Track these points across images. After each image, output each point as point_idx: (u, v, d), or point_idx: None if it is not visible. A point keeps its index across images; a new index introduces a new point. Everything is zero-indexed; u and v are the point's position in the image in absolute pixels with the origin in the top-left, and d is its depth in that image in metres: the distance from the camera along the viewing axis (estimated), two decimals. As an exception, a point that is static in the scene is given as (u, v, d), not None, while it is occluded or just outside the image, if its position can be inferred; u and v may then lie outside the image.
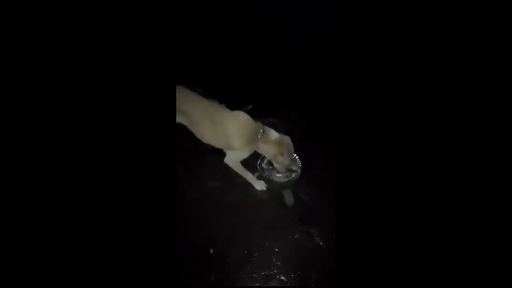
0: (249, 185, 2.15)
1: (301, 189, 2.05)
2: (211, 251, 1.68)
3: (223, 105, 2.06)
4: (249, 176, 2.23)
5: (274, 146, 2.05)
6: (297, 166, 2.22)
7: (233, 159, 2.17)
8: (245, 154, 2.14)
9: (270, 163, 2.27)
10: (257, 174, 2.28)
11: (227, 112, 2.09)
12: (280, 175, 2.23)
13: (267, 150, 2.09)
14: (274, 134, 2.07)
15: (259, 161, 2.28)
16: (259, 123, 2.09)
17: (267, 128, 2.08)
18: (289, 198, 2.14)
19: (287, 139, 2.07)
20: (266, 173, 2.27)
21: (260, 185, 2.23)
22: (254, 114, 1.99)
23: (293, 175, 2.21)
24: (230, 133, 2.03)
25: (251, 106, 2.41)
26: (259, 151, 2.13)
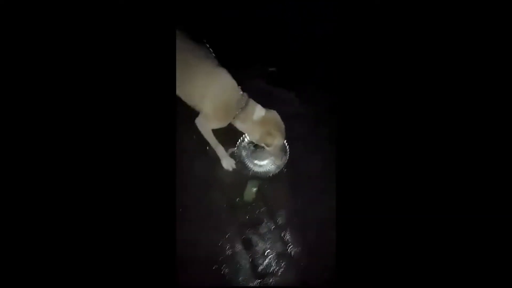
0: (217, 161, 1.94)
1: (300, 190, 1.95)
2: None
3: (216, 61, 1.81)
4: (219, 150, 1.95)
5: (257, 126, 1.77)
6: (282, 157, 1.97)
7: (203, 123, 1.87)
8: (214, 124, 1.85)
9: (252, 144, 2.03)
10: (232, 150, 2.01)
11: (209, 65, 1.78)
12: (259, 162, 1.99)
13: (248, 130, 1.83)
14: (259, 113, 1.76)
15: (241, 138, 2.04)
16: (244, 94, 1.78)
17: (252, 102, 1.78)
18: (249, 192, 1.91)
19: (274, 115, 1.78)
20: (244, 154, 2.01)
21: (228, 164, 1.97)
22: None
23: (273, 166, 1.98)
24: (204, 92, 1.75)
25: (274, 68, 2.22)
26: (239, 128, 1.87)
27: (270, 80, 2.33)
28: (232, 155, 2.05)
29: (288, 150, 2.05)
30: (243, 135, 2.09)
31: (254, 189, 1.96)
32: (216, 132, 1.94)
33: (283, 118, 1.82)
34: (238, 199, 1.92)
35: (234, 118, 1.79)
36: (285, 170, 2.00)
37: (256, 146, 2.07)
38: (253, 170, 2.01)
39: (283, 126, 1.82)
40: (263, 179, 1.99)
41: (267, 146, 1.83)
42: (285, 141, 2.01)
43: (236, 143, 2.08)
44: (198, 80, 1.76)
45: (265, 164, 2.03)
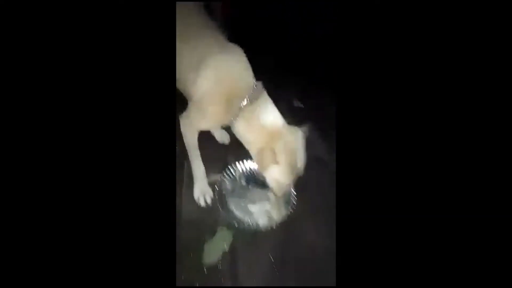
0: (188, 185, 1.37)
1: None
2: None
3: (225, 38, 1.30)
4: (197, 169, 1.36)
5: (262, 135, 1.16)
6: (282, 209, 1.34)
7: (191, 119, 1.27)
8: (208, 120, 1.25)
9: (248, 176, 1.46)
10: (215, 178, 1.43)
11: (219, 39, 1.26)
12: (248, 206, 1.35)
13: (248, 138, 1.21)
14: (272, 116, 1.18)
15: (233, 165, 1.49)
16: (258, 84, 1.21)
17: (265, 96, 1.20)
18: (214, 248, 1.22)
19: (296, 133, 1.19)
20: (229, 187, 1.42)
21: (201, 192, 1.36)
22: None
23: (265, 218, 1.33)
24: (202, 62, 1.17)
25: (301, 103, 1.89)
26: (236, 135, 1.26)
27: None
28: (212, 184, 1.41)
29: (294, 201, 1.38)
30: (239, 162, 1.49)
31: (223, 247, 1.25)
32: (203, 146, 1.35)
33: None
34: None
35: (236, 114, 1.19)
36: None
37: (252, 180, 1.45)
38: (234, 216, 1.33)
39: (301, 156, 1.18)
40: (242, 233, 1.29)
41: (264, 173, 1.20)
42: (292, 188, 1.36)
43: (225, 170, 1.47)
44: (195, 46, 1.21)
45: (255, 212, 1.35)
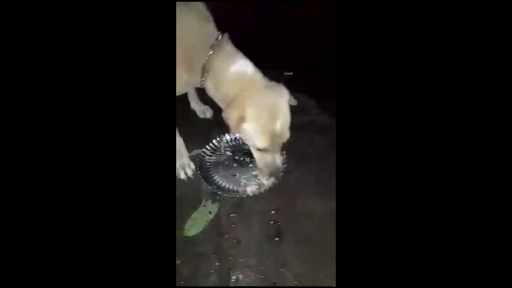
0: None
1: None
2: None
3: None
4: (177, 144, 1.24)
5: (233, 89, 1.00)
6: (270, 175, 1.12)
7: None
8: (177, 78, 1.05)
9: (237, 145, 1.33)
10: (196, 152, 1.31)
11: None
12: (242, 175, 1.22)
13: (218, 94, 1.05)
14: (240, 64, 1.01)
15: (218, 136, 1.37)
16: (224, 36, 1.04)
17: (229, 44, 1.03)
18: (199, 219, 1.09)
19: (277, 93, 1.00)
20: (212, 159, 1.29)
21: (182, 169, 1.23)
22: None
23: (252, 184, 1.19)
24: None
25: (291, 73, 1.76)
26: (208, 94, 1.09)
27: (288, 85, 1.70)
28: (194, 158, 1.28)
29: (283, 165, 1.20)
30: (224, 134, 1.37)
31: (208, 217, 1.10)
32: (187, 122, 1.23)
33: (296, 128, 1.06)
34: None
35: (204, 69, 1.03)
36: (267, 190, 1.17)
37: (238, 150, 1.32)
38: (220, 186, 1.19)
39: (283, 117, 1.00)
40: (227, 201, 1.15)
41: (235, 133, 1.07)
42: (282, 152, 1.19)
43: (208, 144, 1.34)
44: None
45: (243, 180, 1.21)
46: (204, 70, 1.02)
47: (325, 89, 1.54)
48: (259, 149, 1.01)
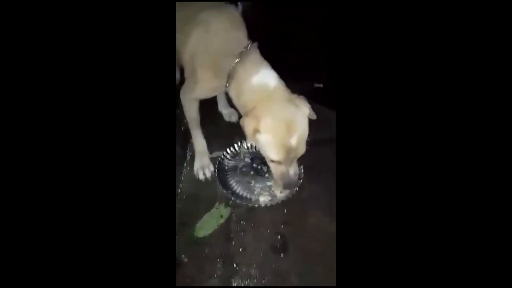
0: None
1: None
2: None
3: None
4: (198, 143, 1.30)
5: (253, 99, 1.01)
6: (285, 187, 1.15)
7: (185, 89, 1.18)
8: (200, 85, 1.12)
9: (257, 152, 1.32)
10: (217, 154, 1.34)
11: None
12: (250, 182, 1.25)
13: (239, 101, 1.07)
14: (264, 74, 1.02)
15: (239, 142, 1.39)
16: (253, 45, 1.06)
17: (256, 53, 1.05)
18: (210, 221, 1.13)
19: (297, 107, 1.00)
20: (231, 164, 1.32)
21: (201, 166, 1.28)
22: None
23: (266, 195, 1.21)
24: (191, 27, 1.08)
25: (321, 85, 1.76)
26: (232, 100, 1.12)
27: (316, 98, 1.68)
28: (214, 160, 1.32)
29: (300, 179, 1.24)
30: (245, 140, 1.38)
31: (218, 221, 1.14)
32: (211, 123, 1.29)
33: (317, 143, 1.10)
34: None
35: (229, 75, 1.05)
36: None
37: (257, 158, 1.33)
38: (234, 192, 1.23)
39: (300, 131, 0.99)
40: (239, 207, 1.18)
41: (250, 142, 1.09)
42: (299, 166, 1.24)
43: (229, 147, 1.38)
44: (187, 4, 1.12)
45: (257, 189, 1.23)
46: (229, 77, 1.04)
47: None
48: (272, 161, 1.03)
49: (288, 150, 0.99)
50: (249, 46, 1.04)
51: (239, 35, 1.07)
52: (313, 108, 1.62)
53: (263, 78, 1.00)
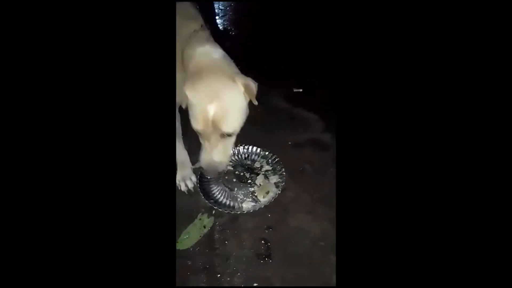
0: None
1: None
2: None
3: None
4: (179, 155, 1.29)
5: (191, 82, 0.96)
6: (272, 184, 1.23)
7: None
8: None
9: (239, 160, 1.36)
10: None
11: None
12: (240, 191, 1.23)
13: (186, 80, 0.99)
14: (211, 50, 1.01)
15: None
16: (205, 27, 1.07)
17: (205, 35, 1.05)
18: (193, 232, 1.11)
19: (237, 83, 0.97)
20: (224, 172, 1.29)
21: (183, 177, 1.27)
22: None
23: (249, 201, 1.20)
24: None
25: (300, 90, 1.78)
26: None
27: (295, 102, 1.72)
28: (197, 170, 1.30)
29: (283, 178, 1.25)
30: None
31: (202, 231, 1.12)
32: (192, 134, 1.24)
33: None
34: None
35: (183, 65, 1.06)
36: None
37: (239, 165, 1.34)
38: (217, 202, 1.21)
39: (230, 106, 0.95)
40: (222, 216, 1.17)
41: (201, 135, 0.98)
42: (280, 167, 1.27)
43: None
44: None
45: (240, 197, 1.22)
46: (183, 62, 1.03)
47: (332, 107, 1.54)
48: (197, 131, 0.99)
49: (206, 120, 0.94)
50: (202, 27, 1.05)
51: (192, 23, 1.07)
52: (295, 112, 1.65)
53: (207, 50, 1.00)
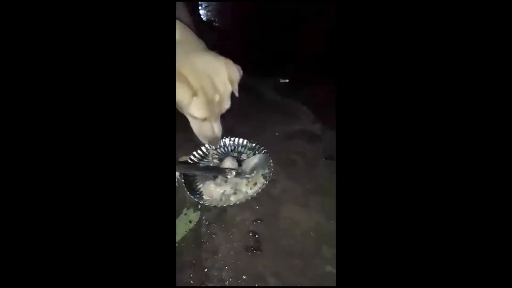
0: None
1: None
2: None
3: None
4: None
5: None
6: (260, 175, 1.18)
7: None
8: None
9: (225, 152, 1.32)
10: (185, 158, 1.27)
11: None
12: (226, 184, 1.16)
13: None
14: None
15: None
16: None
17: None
18: (179, 229, 1.06)
19: (219, 58, 0.95)
20: (210, 166, 1.25)
21: None
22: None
23: (231, 191, 1.15)
24: None
25: (287, 80, 1.76)
26: None
27: (284, 93, 1.68)
28: (181, 166, 1.25)
29: (270, 169, 1.20)
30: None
31: (188, 226, 1.06)
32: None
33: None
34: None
35: None
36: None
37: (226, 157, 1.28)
38: (202, 193, 1.16)
39: (227, 83, 0.94)
40: (209, 210, 1.11)
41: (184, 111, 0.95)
42: (269, 160, 1.21)
43: (196, 151, 1.31)
44: None
45: (227, 189, 1.16)
46: None
47: (322, 98, 1.51)
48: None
49: (214, 106, 0.95)
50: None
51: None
52: (282, 103, 1.62)
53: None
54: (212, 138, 1.07)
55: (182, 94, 0.87)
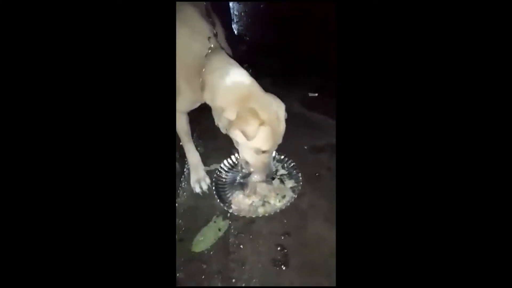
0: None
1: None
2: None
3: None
4: (191, 156, 1.29)
5: (233, 98, 0.96)
6: (288, 188, 1.21)
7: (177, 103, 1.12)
8: (182, 97, 1.09)
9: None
10: (215, 166, 1.32)
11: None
12: (255, 195, 1.18)
13: (217, 103, 1.00)
14: (239, 75, 0.98)
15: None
16: (213, 40, 1.03)
17: (222, 56, 1.02)
18: (207, 235, 1.10)
19: (275, 101, 0.99)
20: (229, 177, 1.29)
21: (197, 180, 1.27)
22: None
23: (260, 204, 1.17)
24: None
25: (316, 94, 1.78)
26: (210, 105, 1.07)
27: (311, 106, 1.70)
28: (212, 172, 1.30)
29: (299, 183, 1.22)
30: None
31: (216, 236, 1.10)
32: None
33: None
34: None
35: (202, 85, 1.03)
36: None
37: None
38: (231, 202, 1.19)
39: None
40: (238, 220, 1.14)
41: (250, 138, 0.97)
42: (298, 173, 1.24)
43: (227, 160, 1.35)
44: None
45: (256, 201, 1.18)
46: (202, 85, 1.01)
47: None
48: (263, 152, 1.00)
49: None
50: (212, 46, 1.02)
51: (200, 36, 1.03)
52: (311, 117, 1.63)
53: (236, 77, 0.97)
54: (269, 170, 1.10)
55: (252, 125, 0.93)
